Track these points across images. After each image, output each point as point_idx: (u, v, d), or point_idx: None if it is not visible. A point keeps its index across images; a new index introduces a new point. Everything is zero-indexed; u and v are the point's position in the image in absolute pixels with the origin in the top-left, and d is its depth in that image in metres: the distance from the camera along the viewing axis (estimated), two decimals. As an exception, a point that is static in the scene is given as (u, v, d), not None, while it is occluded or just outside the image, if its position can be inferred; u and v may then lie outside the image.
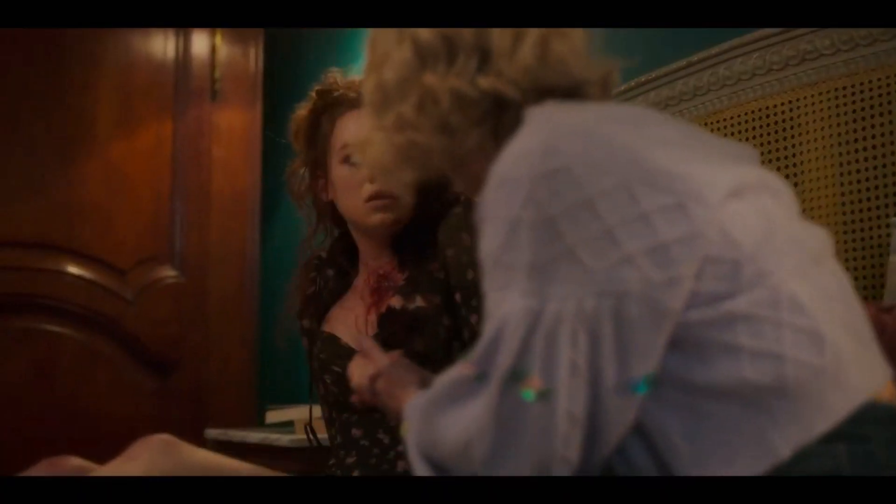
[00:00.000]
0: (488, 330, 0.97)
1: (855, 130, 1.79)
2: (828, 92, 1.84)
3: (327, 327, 1.82)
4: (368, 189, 1.74)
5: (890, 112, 1.75)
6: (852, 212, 1.78)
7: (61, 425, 3.05)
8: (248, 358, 3.43)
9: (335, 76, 1.86)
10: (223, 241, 3.42)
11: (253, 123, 3.49)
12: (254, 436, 2.53)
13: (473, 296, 1.66)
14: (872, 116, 1.77)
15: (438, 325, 1.68)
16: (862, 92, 1.79)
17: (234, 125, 3.48)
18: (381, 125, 1.17)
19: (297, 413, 2.51)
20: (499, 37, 1.11)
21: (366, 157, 1.22)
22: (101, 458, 1.66)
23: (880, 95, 1.77)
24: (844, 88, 1.82)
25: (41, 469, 1.62)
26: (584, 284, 0.92)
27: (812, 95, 1.87)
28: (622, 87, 2.23)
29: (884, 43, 1.75)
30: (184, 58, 3.40)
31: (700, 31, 2.02)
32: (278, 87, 3.60)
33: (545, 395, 0.92)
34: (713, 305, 0.93)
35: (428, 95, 1.12)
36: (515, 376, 0.94)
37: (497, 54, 1.11)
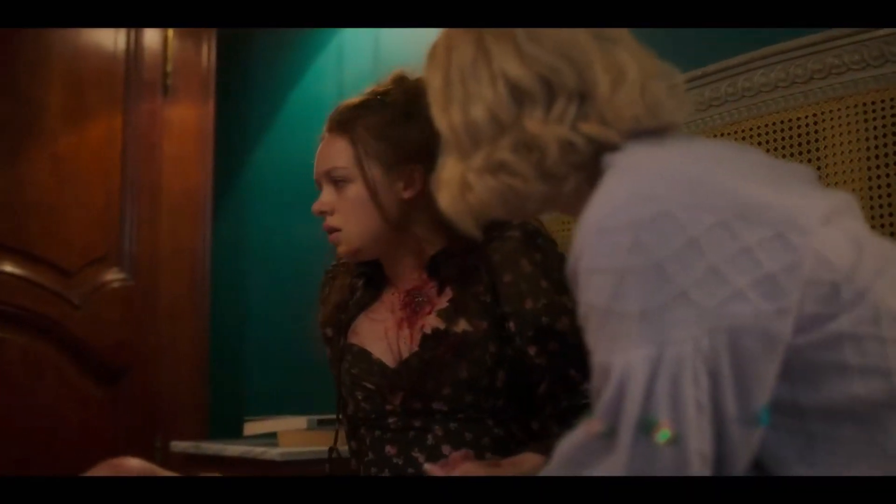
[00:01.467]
0: (610, 383, 0.97)
1: (885, 145, 1.81)
2: (855, 106, 1.85)
3: (356, 340, 1.77)
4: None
5: (922, 128, 1.78)
6: (882, 226, 1.80)
7: (4, 435, 2.86)
8: (200, 364, 3.29)
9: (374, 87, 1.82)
10: (174, 242, 3.28)
11: (205, 120, 3.36)
12: (233, 449, 2.42)
13: (531, 326, 1.63)
14: (904, 132, 1.79)
15: (485, 351, 1.64)
16: (893, 108, 1.81)
17: (186, 121, 3.34)
18: (468, 166, 1.15)
19: (280, 425, 2.42)
20: (598, 80, 1.11)
21: (449, 196, 1.19)
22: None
23: (912, 111, 1.79)
24: (874, 104, 1.83)
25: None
26: (698, 324, 0.94)
27: (838, 109, 1.88)
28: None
29: (916, 60, 1.78)
30: (135, 50, 3.25)
31: (716, 42, 2.02)
32: (229, 84, 3.48)
33: (676, 440, 0.93)
34: (818, 328, 0.97)
35: (532, 142, 1.11)
36: (645, 425, 0.94)
37: (596, 98, 1.11)
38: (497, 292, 1.67)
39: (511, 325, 1.64)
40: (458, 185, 1.17)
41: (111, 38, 3.23)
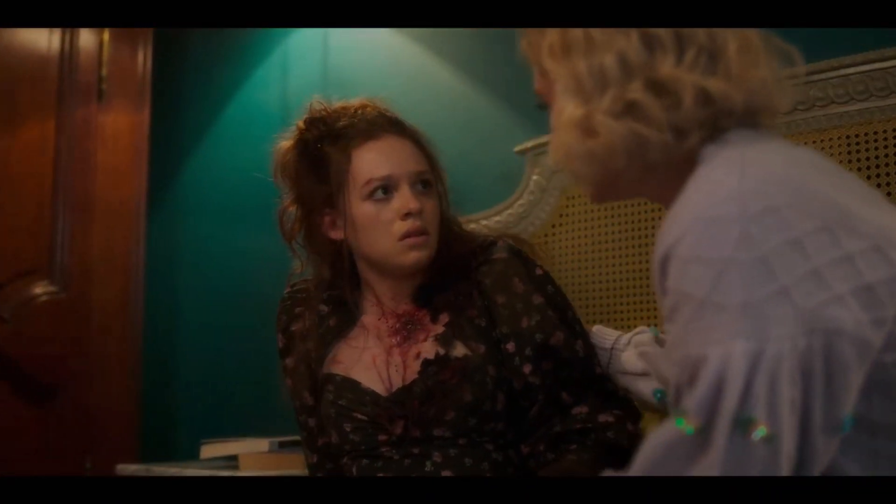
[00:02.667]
0: (705, 376, 0.94)
1: (869, 178, 1.86)
2: (839, 139, 1.90)
3: (339, 369, 1.72)
4: (402, 226, 1.67)
5: (905, 163, 1.84)
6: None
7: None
8: (132, 381, 3.16)
9: (322, 104, 1.77)
10: (107, 254, 3.15)
11: (140, 126, 3.24)
12: (192, 472, 2.32)
13: (528, 345, 1.62)
14: (887, 165, 1.85)
15: (485, 374, 1.62)
16: (876, 142, 1.87)
17: (121, 128, 3.22)
18: (593, 108, 1.09)
19: (240, 447, 2.34)
20: (728, 40, 1.09)
21: (568, 141, 1.12)
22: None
23: (895, 146, 1.85)
24: (857, 136, 1.89)
25: None
26: (797, 323, 0.92)
27: (822, 141, 1.93)
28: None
29: (900, 96, 1.84)
30: (70, 52, 3.11)
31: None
32: (166, 90, 3.37)
33: (771, 440, 0.91)
34: None
35: (666, 85, 1.07)
36: (742, 423, 0.92)
37: (725, 57, 1.09)
38: (492, 315, 1.66)
39: (510, 346, 1.64)
40: (579, 129, 1.10)
41: (45, 39, 3.08)
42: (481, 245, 1.75)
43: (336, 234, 1.73)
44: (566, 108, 1.12)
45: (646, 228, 2.23)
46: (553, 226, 2.38)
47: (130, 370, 3.15)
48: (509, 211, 2.42)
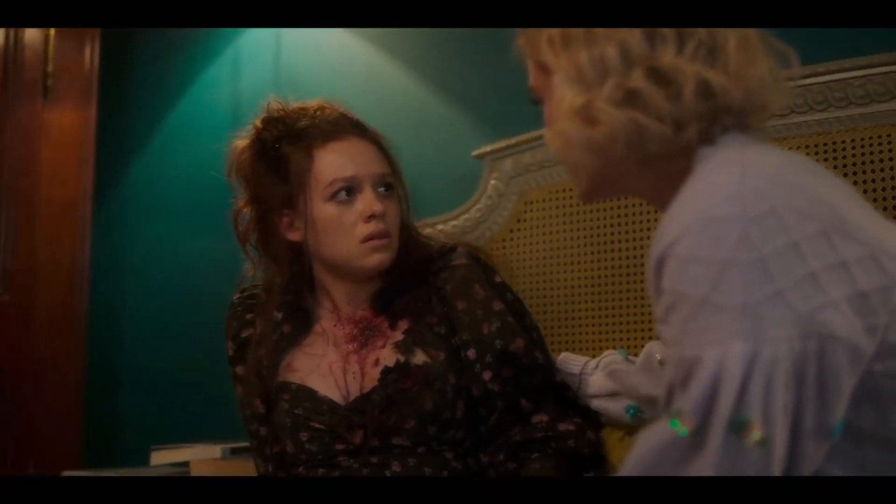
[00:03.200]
0: (700, 377, 0.94)
1: (827, 187, 1.87)
2: (798, 149, 1.91)
3: (294, 377, 1.69)
4: (364, 229, 1.65)
5: (864, 172, 1.85)
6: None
7: None
8: (76, 386, 3.08)
9: (280, 103, 1.75)
10: (51, 255, 3.06)
11: (86, 125, 3.15)
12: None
13: (488, 351, 1.62)
14: (846, 175, 1.86)
15: (446, 382, 1.61)
16: (835, 151, 1.88)
17: (67, 126, 3.13)
18: (594, 97, 1.09)
19: (191, 453, 2.29)
20: (727, 36, 1.10)
21: (568, 129, 1.11)
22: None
23: (853, 156, 1.87)
24: (816, 146, 1.90)
25: None
26: (793, 326, 0.92)
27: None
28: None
29: (858, 107, 1.85)
30: (15, 48, 3.02)
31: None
32: (112, 88, 3.30)
33: (764, 443, 0.91)
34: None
35: (668, 74, 1.07)
36: (737, 425, 0.92)
37: (724, 53, 1.09)
38: (452, 321, 1.65)
39: (470, 353, 1.63)
40: (580, 117, 1.10)
41: (-12, 33, 2.99)
42: (440, 251, 1.75)
43: (294, 236, 1.71)
44: (566, 97, 1.12)
45: (605, 234, 2.23)
46: (511, 231, 2.36)
47: (75, 374, 3.07)
48: (466, 216, 2.41)
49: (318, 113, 1.74)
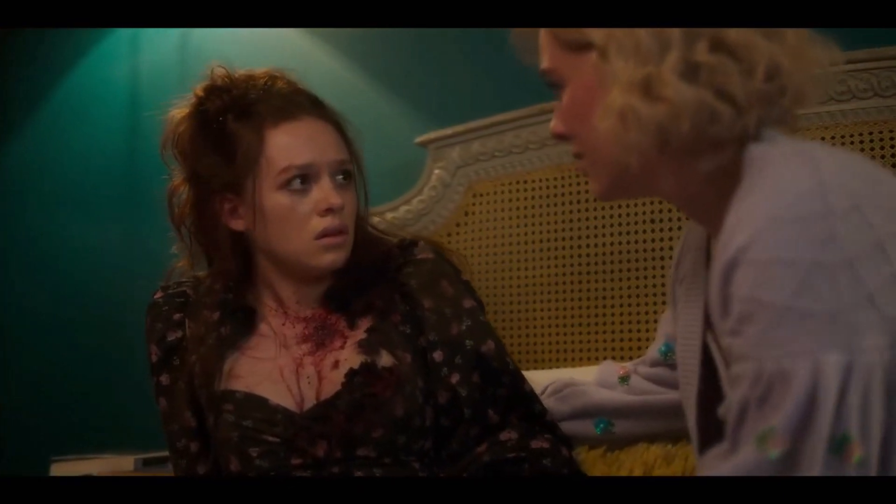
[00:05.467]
0: (792, 393, 0.86)
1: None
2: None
3: (239, 384, 1.50)
4: (319, 223, 1.49)
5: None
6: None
7: None
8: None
9: (224, 69, 1.56)
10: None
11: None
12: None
13: (457, 353, 1.49)
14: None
15: (415, 386, 1.47)
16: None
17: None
18: (658, 68, 0.99)
19: (100, 466, 2.06)
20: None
21: (631, 103, 1.00)
22: None
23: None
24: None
25: None
26: (883, 333, 0.86)
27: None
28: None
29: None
30: None
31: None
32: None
33: (863, 463, 0.85)
34: None
35: (737, 50, 0.98)
36: (838, 444, 0.85)
37: (781, 32, 1.01)
38: (418, 320, 1.52)
39: (437, 354, 1.49)
40: (641, 90, 0.99)
41: None
42: (400, 245, 1.60)
43: (237, 225, 1.54)
44: (623, 69, 1.00)
45: (562, 231, 2.12)
46: (457, 224, 2.22)
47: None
48: (406, 207, 2.25)
49: (268, 84, 1.56)
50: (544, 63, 1.11)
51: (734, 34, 0.98)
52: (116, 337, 2.62)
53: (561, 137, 1.13)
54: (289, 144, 1.48)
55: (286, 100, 1.52)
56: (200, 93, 1.54)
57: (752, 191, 0.94)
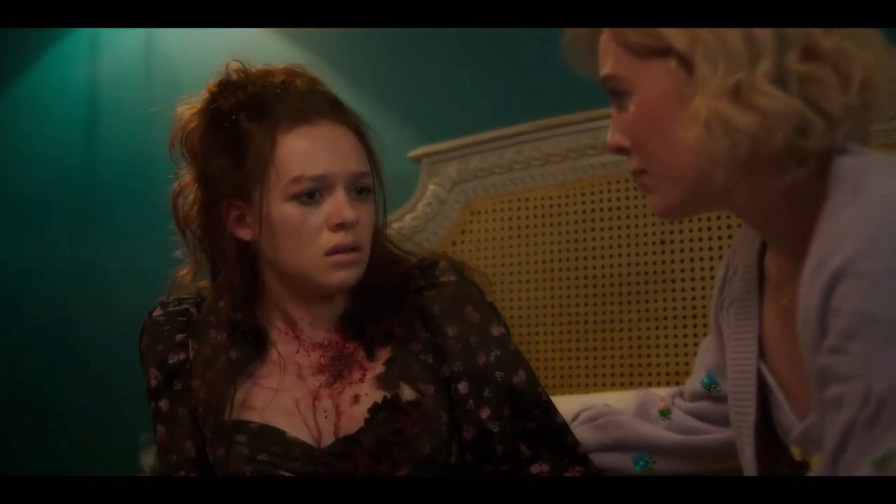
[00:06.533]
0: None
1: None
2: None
3: (253, 416, 1.41)
4: (330, 239, 1.38)
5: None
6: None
7: None
8: None
9: (240, 64, 1.47)
10: None
11: None
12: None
13: (486, 385, 1.41)
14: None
15: (441, 421, 1.39)
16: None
17: None
18: (752, 77, 0.94)
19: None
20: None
21: (724, 111, 0.94)
22: None
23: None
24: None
25: None
26: None
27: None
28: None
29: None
30: None
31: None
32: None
33: None
34: None
35: (837, 61, 0.94)
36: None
37: (867, 39, 0.98)
38: (440, 349, 1.43)
39: (462, 386, 1.41)
40: (733, 97, 0.94)
41: None
42: (419, 265, 1.51)
43: (243, 234, 1.44)
44: (711, 75, 0.96)
45: (563, 251, 2.05)
46: (453, 243, 2.14)
47: None
48: (398, 224, 2.15)
49: (286, 82, 1.45)
50: (606, 69, 1.05)
51: (829, 42, 0.94)
52: (64, 350, 2.52)
53: (620, 151, 1.07)
54: (302, 151, 1.38)
55: (304, 101, 1.42)
56: (213, 88, 1.44)
57: (851, 202, 0.91)
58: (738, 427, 1.15)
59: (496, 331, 1.44)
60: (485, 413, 1.39)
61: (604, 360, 1.98)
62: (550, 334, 2.03)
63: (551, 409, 1.45)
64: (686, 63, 0.97)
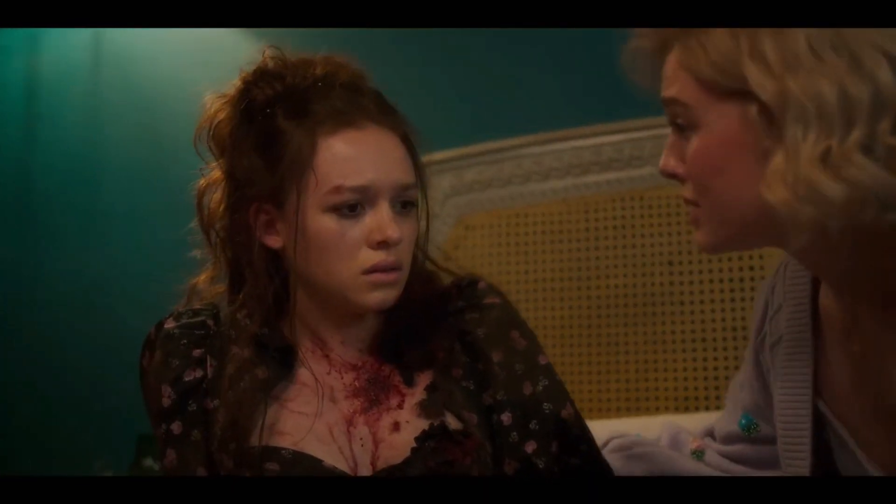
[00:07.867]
0: None
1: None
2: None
3: (285, 442, 1.28)
4: (370, 257, 1.27)
5: None
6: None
7: None
8: None
9: (278, 52, 1.33)
10: None
11: None
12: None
13: (533, 417, 1.31)
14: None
15: (486, 452, 1.30)
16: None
17: None
18: (842, 144, 0.90)
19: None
20: None
21: (810, 177, 0.90)
22: None
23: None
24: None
25: None
26: None
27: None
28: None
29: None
30: None
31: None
32: None
33: None
34: None
35: None
36: None
37: None
38: (482, 376, 1.34)
39: (505, 417, 1.31)
40: (823, 165, 0.90)
41: None
42: (458, 284, 1.40)
43: (272, 241, 1.31)
44: (801, 138, 0.91)
45: (563, 271, 1.99)
46: (446, 259, 2.02)
47: None
48: (386, 238, 2.05)
49: (328, 77, 1.32)
50: (671, 91, 1.01)
51: None
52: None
53: (672, 176, 1.03)
54: (345, 158, 1.25)
55: (348, 101, 1.29)
56: (248, 77, 1.31)
57: None
58: (790, 464, 1.13)
59: (543, 360, 1.34)
60: (530, 447, 1.30)
61: (608, 385, 1.93)
62: (552, 356, 1.91)
63: (595, 447, 1.36)
64: (768, 114, 0.93)
